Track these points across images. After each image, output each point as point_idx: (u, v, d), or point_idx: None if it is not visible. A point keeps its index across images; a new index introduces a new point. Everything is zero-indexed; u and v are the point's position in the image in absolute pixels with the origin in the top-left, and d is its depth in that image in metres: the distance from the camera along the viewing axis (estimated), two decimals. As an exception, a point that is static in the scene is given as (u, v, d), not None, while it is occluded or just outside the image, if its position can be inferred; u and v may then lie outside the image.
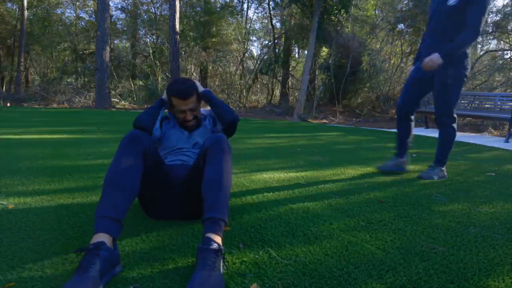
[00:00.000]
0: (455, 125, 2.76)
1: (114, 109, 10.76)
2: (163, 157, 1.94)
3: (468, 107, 7.28)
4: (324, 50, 12.87)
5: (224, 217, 1.37)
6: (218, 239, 1.31)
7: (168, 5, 12.65)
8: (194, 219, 1.78)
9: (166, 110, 2.04)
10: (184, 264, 1.36)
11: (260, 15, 23.74)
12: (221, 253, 1.26)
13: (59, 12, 16.22)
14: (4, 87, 15.35)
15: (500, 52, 11.83)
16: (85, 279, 1.09)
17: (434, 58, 2.47)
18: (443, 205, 2.22)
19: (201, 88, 1.99)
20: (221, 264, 1.25)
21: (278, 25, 14.94)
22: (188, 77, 2.09)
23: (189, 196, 1.69)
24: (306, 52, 12.02)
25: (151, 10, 16.01)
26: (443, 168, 2.90)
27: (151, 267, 1.33)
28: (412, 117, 2.94)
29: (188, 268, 1.33)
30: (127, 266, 1.33)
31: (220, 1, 15.06)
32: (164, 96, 1.98)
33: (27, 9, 13.92)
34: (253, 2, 19.90)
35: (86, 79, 16.05)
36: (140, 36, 16.22)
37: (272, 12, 13.68)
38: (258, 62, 14.29)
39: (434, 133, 6.84)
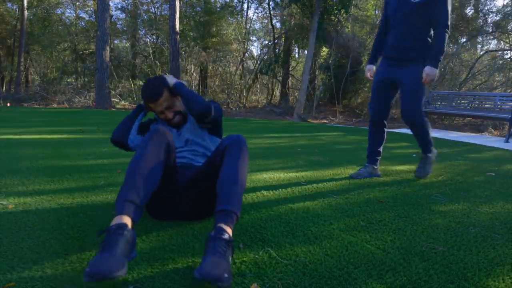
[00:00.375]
0: (425, 118, 2.66)
1: (114, 109, 10.76)
2: None
3: (468, 107, 7.29)
4: (324, 50, 12.86)
5: (237, 211, 1.38)
6: (229, 230, 1.32)
7: (168, 5, 12.65)
8: (196, 220, 1.79)
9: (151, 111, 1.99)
10: (184, 264, 1.36)
11: (260, 15, 23.72)
12: (231, 243, 1.26)
13: (59, 12, 16.23)
14: (4, 87, 15.36)
15: (500, 52, 11.82)
16: (111, 257, 1.08)
17: (429, 72, 2.44)
18: (443, 205, 2.22)
19: (172, 81, 1.85)
20: (230, 256, 1.25)
21: (278, 25, 14.96)
22: (159, 74, 1.99)
23: (194, 197, 1.69)
24: (306, 52, 12.00)
25: (151, 10, 16.01)
26: (430, 154, 2.82)
27: (151, 267, 1.33)
28: (386, 122, 2.83)
29: (188, 268, 1.33)
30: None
31: (220, 1, 15.07)
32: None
33: (27, 9, 13.92)
34: (253, 2, 19.90)
35: (86, 79, 16.04)
36: (140, 36, 16.22)
37: (272, 12, 13.68)
38: (258, 62, 14.28)
39: (434, 133, 6.84)
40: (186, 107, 1.84)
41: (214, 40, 13.82)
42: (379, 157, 2.91)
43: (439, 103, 7.73)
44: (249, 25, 15.97)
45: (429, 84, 2.52)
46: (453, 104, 7.41)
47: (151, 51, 14.33)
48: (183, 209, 1.73)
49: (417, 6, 2.44)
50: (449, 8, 2.42)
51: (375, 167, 2.90)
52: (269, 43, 14.89)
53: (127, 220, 1.26)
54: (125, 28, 16.50)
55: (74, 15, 16.95)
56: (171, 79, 1.87)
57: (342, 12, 10.93)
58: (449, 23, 2.42)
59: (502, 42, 12.18)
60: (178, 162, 1.89)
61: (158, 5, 15.94)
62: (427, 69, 2.44)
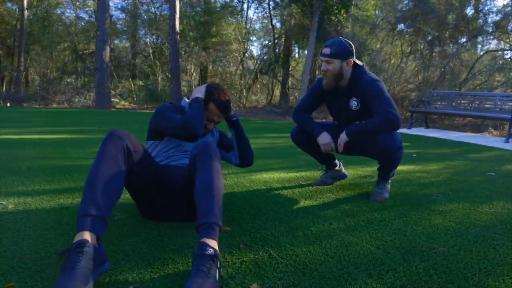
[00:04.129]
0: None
1: (114, 109, 10.76)
2: (167, 154, 1.85)
3: (468, 107, 7.28)
4: (324, 50, 12.84)
5: (218, 221, 1.33)
6: (213, 243, 1.27)
7: (168, 5, 12.65)
8: (192, 221, 1.78)
9: None
10: (184, 264, 1.36)
11: (260, 15, 23.76)
12: (217, 258, 1.21)
13: (59, 12, 16.21)
14: (4, 87, 15.34)
15: (500, 52, 11.80)
16: (72, 277, 1.05)
17: (341, 137, 2.20)
18: (443, 205, 2.22)
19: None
20: (217, 270, 1.20)
21: (278, 25, 14.95)
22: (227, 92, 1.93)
23: (186, 198, 1.67)
24: (306, 52, 12.00)
25: (151, 10, 16.01)
26: (390, 181, 2.43)
27: (151, 267, 1.33)
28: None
29: (188, 269, 1.33)
30: (127, 266, 1.33)
31: (220, 1, 15.06)
32: (201, 95, 1.81)
33: (27, 9, 13.90)
34: (253, 2, 19.89)
35: (86, 79, 16.04)
36: (140, 36, 16.21)
37: (272, 12, 13.66)
38: (258, 62, 14.28)
39: (434, 133, 6.84)
40: (239, 150, 2.06)
41: (214, 40, 13.81)
42: (333, 159, 2.61)
43: (439, 103, 7.73)
44: (249, 25, 15.95)
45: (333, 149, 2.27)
46: (453, 104, 7.41)
47: (151, 51, 14.32)
48: (177, 210, 1.72)
49: (357, 112, 2.28)
50: (387, 100, 2.10)
51: (337, 169, 2.63)
52: (269, 43, 14.89)
53: (88, 236, 1.22)
54: (125, 28, 16.49)
55: (74, 15, 16.95)
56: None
57: (342, 12, 10.93)
58: (391, 109, 2.07)
59: (502, 42, 12.18)
60: (179, 163, 1.83)
61: (158, 5, 15.93)
62: (342, 134, 2.20)
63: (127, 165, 1.48)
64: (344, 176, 2.69)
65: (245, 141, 2.06)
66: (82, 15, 17.35)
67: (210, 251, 1.22)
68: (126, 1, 16.69)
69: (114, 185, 1.37)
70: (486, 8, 11.19)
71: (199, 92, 1.84)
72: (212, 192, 1.39)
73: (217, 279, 1.17)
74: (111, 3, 17.74)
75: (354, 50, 2.21)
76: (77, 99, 11.99)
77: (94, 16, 15.41)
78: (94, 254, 1.16)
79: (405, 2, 11.98)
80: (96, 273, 1.18)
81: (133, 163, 1.52)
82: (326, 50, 2.18)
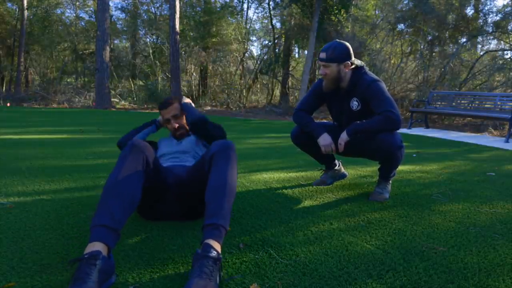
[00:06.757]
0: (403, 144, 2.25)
1: (114, 109, 10.76)
2: (169, 156, 2.03)
3: (468, 107, 7.28)
4: (324, 50, 12.83)
5: (225, 224, 1.33)
6: (217, 246, 1.26)
7: (168, 5, 12.66)
8: (192, 219, 1.79)
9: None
10: (184, 264, 1.36)
11: (260, 15, 23.77)
12: (219, 262, 1.21)
13: (59, 12, 16.23)
14: (4, 87, 15.35)
15: (500, 52, 11.80)
16: None
17: (342, 137, 2.16)
18: (443, 205, 2.22)
19: (185, 101, 2.21)
20: (218, 274, 1.19)
21: (278, 25, 14.96)
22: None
23: (187, 196, 1.68)
24: (306, 52, 12.00)
25: (151, 10, 16.01)
26: (390, 181, 2.46)
27: (151, 267, 1.33)
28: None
29: (188, 269, 1.33)
30: (127, 266, 1.33)
31: (220, 1, 15.07)
32: (159, 118, 2.24)
33: (27, 9, 13.91)
34: (253, 2, 19.90)
35: (86, 79, 16.08)
36: (140, 36, 16.22)
37: (272, 12, 13.67)
38: (258, 62, 14.28)
39: (434, 133, 6.84)
40: (192, 123, 2.10)
41: (214, 40, 13.81)
42: (333, 159, 2.60)
43: (439, 103, 7.73)
44: (249, 25, 15.96)
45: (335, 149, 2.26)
46: (453, 104, 7.41)
47: (151, 51, 14.33)
48: (178, 208, 1.73)
49: (358, 113, 2.28)
50: (387, 99, 2.10)
51: (336, 169, 2.63)
52: (269, 43, 14.89)
53: (101, 247, 1.20)
54: (125, 28, 16.51)
55: (74, 15, 16.95)
56: (187, 105, 2.19)
57: (342, 12, 10.94)
58: (391, 109, 2.07)
59: (502, 42, 12.18)
60: (170, 161, 1.94)
61: (158, 5, 15.95)
62: (342, 134, 2.17)
63: (144, 177, 1.48)
64: (343, 176, 2.69)
65: (190, 110, 2.14)
66: (82, 15, 17.39)
67: (214, 253, 1.21)
68: (126, 1, 16.71)
69: (131, 198, 1.36)
70: (486, 8, 11.19)
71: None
72: (224, 193, 1.39)
73: (217, 283, 1.17)
74: (111, 3, 17.77)
75: (351, 51, 2.19)
76: (77, 99, 11.99)
77: (94, 16, 15.42)
78: (104, 266, 1.16)
79: (405, 2, 11.99)
80: (105, 285, 1.16)
81: (148, 173, 1.53)
82: (322, 55, 2.18)
